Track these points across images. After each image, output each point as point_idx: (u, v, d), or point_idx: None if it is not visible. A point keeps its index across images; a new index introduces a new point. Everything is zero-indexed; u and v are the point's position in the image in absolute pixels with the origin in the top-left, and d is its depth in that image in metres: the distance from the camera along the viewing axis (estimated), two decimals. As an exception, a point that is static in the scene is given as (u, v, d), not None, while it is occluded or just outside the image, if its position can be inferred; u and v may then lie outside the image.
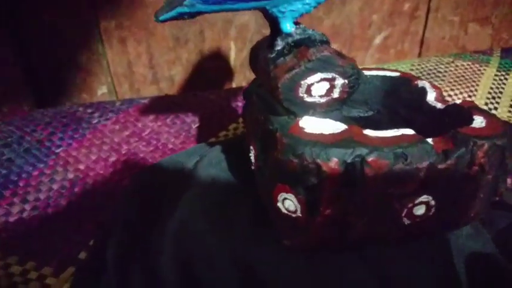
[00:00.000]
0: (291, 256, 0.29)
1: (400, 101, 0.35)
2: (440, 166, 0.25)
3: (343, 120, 0.28)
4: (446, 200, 0.26)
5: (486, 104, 0.51)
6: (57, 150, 0.44)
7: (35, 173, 0.41)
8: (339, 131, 0.26)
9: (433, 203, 0.26)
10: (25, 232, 0.36)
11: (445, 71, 0.55)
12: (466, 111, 0.30)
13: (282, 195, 0.26)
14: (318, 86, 0.27)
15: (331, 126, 0.26)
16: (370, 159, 0.24)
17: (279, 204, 0.26)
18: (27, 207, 0.39)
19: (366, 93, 0.36)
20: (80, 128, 0.46)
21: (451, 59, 0.58)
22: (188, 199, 0.35)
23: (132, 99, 0.51)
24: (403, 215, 0.26)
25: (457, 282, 0.28)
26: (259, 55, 0.29)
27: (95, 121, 0.47)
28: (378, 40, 0.64)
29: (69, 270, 0.33)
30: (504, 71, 0.55)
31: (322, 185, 0.24)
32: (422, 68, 0.56)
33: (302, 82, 0.26)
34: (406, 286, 0.28)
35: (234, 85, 0.62)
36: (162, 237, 0.32)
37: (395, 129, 0.26)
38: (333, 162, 0.24)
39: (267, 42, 0.29)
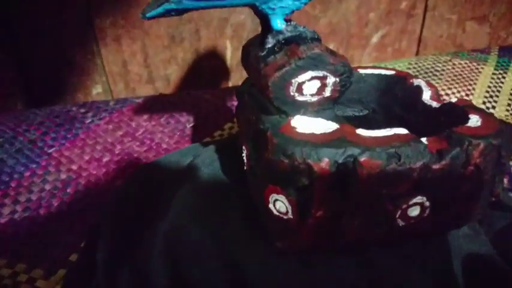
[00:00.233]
0: (282, 258, 0.28)
1: (395, 99, 0.34)
2: (434, 166, 0.24)
3: (335, 119, 0.27)
4: (441, 201, 0.26)
5: (484, 102, 0.50)
6: (50, 151, 0.43)
7: (27, 173, 0.41)
8: (331, 130, 0.25)
9: (427, 204, 0.25)
10: (15, 234, 0.36)
11: (443, 70, 0.55)
12: (462, 110, 0.29)
13: (273, 197, 0.25)
14: (309, 85, 0.26)
15: (323, 126, 0.26)
16: (362, 159, 0.23)
17: (270, 206, 0.26)
18: (19, 208, 0.38)
19: (360, 92, 0.36)
20: (73, 128, 0.45)
21: (448, 58, 0.57)
22: (180, 200, 0.34)
23: (126, 98, 0.51)
24: (397, 216, 0.25)
25: (454, 284, 0.28)
26: (251, 53, 0.29)
27: (88, 121, 0.47)
28: (375, 39, 0.64)
29: (59, 273, 0.33)
30: (502, 69, 0.54)
31: (313, 186, 0.24)
32: (419, 66, 0.56)
33: (293, 80, 0.26)
34: (400, 289, 0.27)
35: (230, 84, 0.62)
36: (153, 238, 0.32)
37: (388, 129, 0.25)
38: (324, 162, 0.23)
39: (258, 40, 0.28)
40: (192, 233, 0.31)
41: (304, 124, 0.26)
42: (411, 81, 0.34)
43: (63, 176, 0.41)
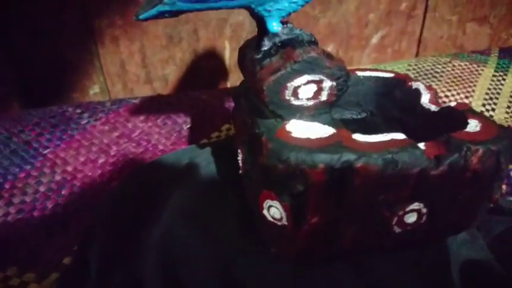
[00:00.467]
0: (278, 263, 0.28)
1: (393, 102, 0.34)
2: (432, 172, 0.24)
3: (332, 123, 0.27)
4: (438, 207, 0.25)
5: (483, 104, 0.50)
6: (45, 152, 0.43)
7: (21, 175, 0.40)
8: (327, 135, 0.25)
9: (424, 210, 0.25)
10: (8, 236, 0.36)
11: (442, 71, 0.54)
12: (461, 114, 0.29)
13: (267, 202, 0.25)
14: (305, 89, 0.26)
15: (318, 130, 0.25)
16: (358, 165, 0.23)
17: (265, 212, 0.25)
18: (12, 210, 0.38)
19: (359, 94, 0.35)
20: (68, 128, 0.45)
21: (448, 59, 0.57)
22: (176, 202, 0.34)
23: (123, 99, 0.50)
24: (394, 223, 0.25)
25: (452, 290, 0.28)
26: (247, 55, 0.28)
27: (84, 122, 0.46)
28: (374, 39, 0.63)
29: (52, 276, 0.32)
30: (502, 71, 0.54)
31: (308, 192, 0.23)
32: (419, 68, 0.55)
33: (288, 84, 0.25)
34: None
35: (228, 85, 0.61)
36: (147, 241, 0.31)
37: (385, 134, 0.25)
38: (319, 168, 0.23)
39: (255, 42, 0.28)
40: (187, 236, 0.31)
41: (300, 128, 0.26)
42: (410, 84, 0.33)
43: (58, 178, 0.41)
